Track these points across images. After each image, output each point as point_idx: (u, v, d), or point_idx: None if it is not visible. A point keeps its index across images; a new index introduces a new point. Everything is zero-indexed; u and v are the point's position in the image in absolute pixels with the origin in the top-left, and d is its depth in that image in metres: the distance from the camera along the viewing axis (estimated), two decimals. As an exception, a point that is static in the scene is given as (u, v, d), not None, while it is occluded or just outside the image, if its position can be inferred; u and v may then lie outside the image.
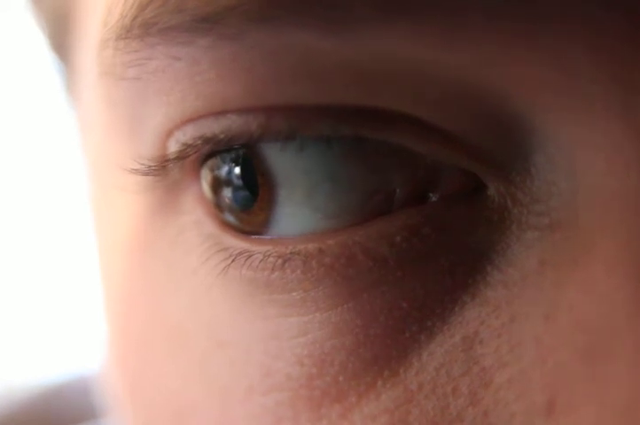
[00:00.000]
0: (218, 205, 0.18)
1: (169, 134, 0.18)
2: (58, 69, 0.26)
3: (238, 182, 0.18)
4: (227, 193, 0.18)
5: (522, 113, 0.15)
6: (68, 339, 0.79)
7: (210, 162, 0.18)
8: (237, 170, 0.18)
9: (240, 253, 0.18)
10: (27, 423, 0.56)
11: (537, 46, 0.14)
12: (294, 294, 0.17)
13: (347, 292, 0.17)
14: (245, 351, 0.18)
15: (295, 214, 0.17)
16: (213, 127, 0.17)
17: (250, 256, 0.17)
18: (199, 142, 0.18)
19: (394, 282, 0.16)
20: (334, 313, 0.17)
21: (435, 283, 0.16)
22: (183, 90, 0.17)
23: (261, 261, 0.17)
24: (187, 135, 0.18)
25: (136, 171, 0.19)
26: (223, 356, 0.18)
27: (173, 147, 0.18)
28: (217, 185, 0.18)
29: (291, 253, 0.17)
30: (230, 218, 0.18)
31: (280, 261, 0.17)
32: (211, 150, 0.18)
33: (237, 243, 0.18)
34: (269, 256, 0.17)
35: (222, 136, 0.17)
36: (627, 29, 0.14)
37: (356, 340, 0.17)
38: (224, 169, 0.18)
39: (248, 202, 0.18)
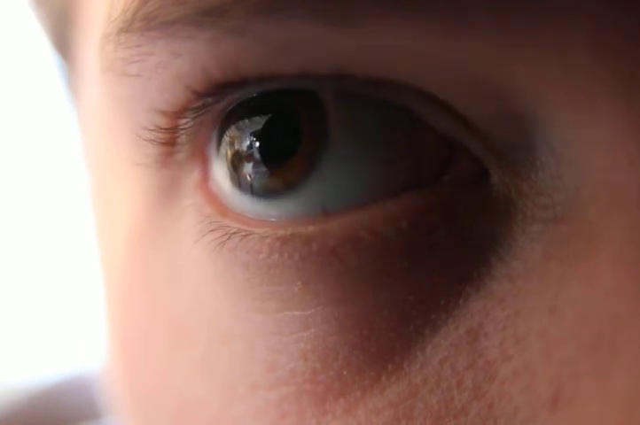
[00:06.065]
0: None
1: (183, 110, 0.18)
2: (58, 66, 0.26)
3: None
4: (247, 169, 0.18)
5: (527, 107, 0.15)
6: (67, 338, 0.79)
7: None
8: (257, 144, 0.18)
9: (236, 232, 0.17)
10: (25, 423, 0.56)
11: (539, 43, 0.14)
12: (293, 286, 0.17)
13: (351, 285, 0.17)
14: (248, 346, 0.18)
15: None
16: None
17: (246, 235, 0.17)
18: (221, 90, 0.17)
19: (400, 273, 0.16)
20: (337, 308, 0.17)
21: (440, 275, 0.16)
22: (186, 86, 0.17)
23: (256, 242, 0.17)
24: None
25: (148, 139, 0.18)
26: (226, 351, 0.18)
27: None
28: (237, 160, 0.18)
29: (291, 235, 0.17)
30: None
31: (278, 243, 0.17)
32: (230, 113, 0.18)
33: (234, 223, 0.18)
34: (266, 237, 0.17)
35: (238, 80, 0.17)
36: (629, 26, 0.14)
37: (360, 334, 0.17)
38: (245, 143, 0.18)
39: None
